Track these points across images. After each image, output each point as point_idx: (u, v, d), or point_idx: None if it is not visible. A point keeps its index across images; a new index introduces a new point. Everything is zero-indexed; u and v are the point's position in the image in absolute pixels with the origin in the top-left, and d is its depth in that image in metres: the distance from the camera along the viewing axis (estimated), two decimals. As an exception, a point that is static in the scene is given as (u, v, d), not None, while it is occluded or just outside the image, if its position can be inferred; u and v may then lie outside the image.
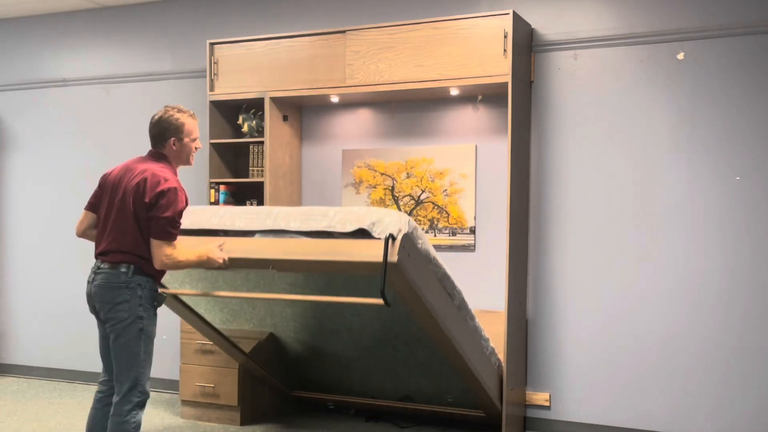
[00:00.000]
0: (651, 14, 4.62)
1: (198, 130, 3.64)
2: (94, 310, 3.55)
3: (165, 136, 3.55)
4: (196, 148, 3.63)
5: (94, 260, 3.56)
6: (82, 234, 3.69)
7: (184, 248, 3.50)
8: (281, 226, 3.69)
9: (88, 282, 3.54)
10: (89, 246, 3.69)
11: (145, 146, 6.11)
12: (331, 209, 3.62)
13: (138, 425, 3.48)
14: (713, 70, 4.49)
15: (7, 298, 6.52)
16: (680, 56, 4.56)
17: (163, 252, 3.38)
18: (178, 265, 3.47)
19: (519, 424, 4.79)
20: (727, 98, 4.46)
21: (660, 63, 4.61)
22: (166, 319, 5.78)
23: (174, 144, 3.55)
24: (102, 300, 3.47)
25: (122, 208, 3.46)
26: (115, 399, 3.47)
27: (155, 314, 3.55)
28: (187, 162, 3.64)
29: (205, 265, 3.56)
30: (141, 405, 3.48)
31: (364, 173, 5.31)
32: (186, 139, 3.57)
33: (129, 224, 3.44)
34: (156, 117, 3.58)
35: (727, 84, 4.46)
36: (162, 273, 3.58)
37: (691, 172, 4.54)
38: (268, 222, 3.72)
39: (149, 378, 3.53)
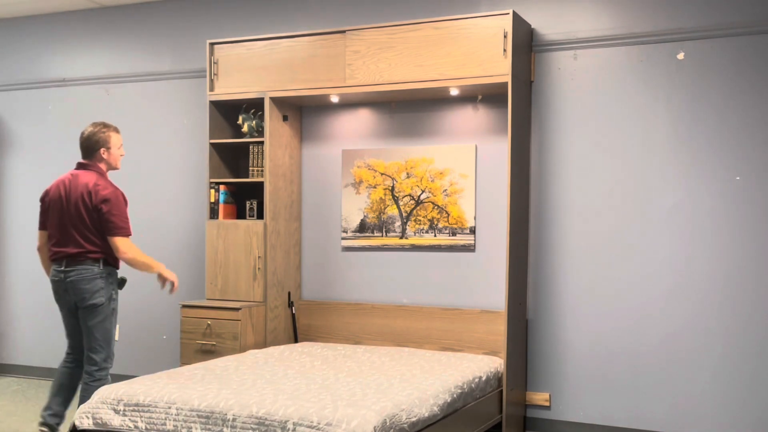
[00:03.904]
0: (651, 14, 4.62)
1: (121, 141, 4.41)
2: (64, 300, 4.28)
3: (96, 147, 4.29)
4: (121, 155, 4.39)
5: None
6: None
7: (140, 252, 4.25)
8: None
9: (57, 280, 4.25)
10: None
11: (145, 146, 6.13)
12: (290, 420, 3.30)
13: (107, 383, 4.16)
14: (713, 70, 4.49)
15: (7, 298, 6.52)
16: (680, 56, 4.56)
17: (124, 245, 4.19)
18: (137, 259, 4.23)
19: (519, 424, 4.79)
20: (727, 98, 4.46)
21: (660, 63, 4.61)
22: (167, 319, 5.80)
23: (104, 153, 4.30)
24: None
25: (76, 215, 4.21)
26: (90, 368, 4.22)
27: (118, 293, 4.35)
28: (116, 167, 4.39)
29: (155, 271, 4.32)
30: (109, 368, 4.27)
31: (364, 173, 5.31)
32: (113, 149, 4.33)
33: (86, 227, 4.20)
34: (86, 133, 4.31)
35: (727, 84, 4.46)
36: (116, 263, 4.29)
37: (691, 172, 4.54)
38: None
39: (113, 344, 4.31)
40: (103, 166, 4.30)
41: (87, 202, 4.16)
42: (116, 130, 4.34)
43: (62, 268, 4.19)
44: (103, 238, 4.18)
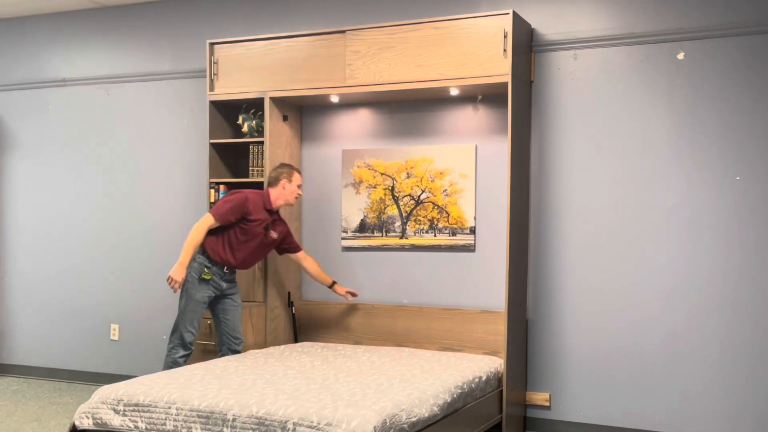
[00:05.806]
0: (651, 14, 4.62)
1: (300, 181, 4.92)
2: None
3: (279, 178, 4.84)
4: (298, 194, 4.90)
5: None
6: None
7: (195, 238, 4.63)
8: None
9: None
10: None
11: (145, 146, 6.12)
12: (290, 420, 3.29)
13: (174, 362, 4.66)
14: (713, 70, 4.49)
15: (7, 298, 6.52)
16: (680, 56, 4.56)
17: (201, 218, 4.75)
18: (190, 235, 4.66)
19: (519, 424, 4.79)
20: (727, 98, 4.46)
21: (660, 63, 4.61)
22: (167, 319, 5.79)
23: (284, 184, 4.83)
24: None
25: None
26: None
27: (200, 283, 4.72)
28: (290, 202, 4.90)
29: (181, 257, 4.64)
30: (179, 346, 4.70)
31: (364, 173, 5.31)
32: (293, 183, 4.86)
33: None
34: (274, 167, 4.93)
35: (727, 84, 4.46)
36: (215, 257, 4.73)
37: (691, 172, 4.54)
38: None
39: (186, 328, 4.68)
40: (276, 192, 4.82)
41: None
42: (299, 172, 4.91)
43: None
44: (210, 232, 4.72)
